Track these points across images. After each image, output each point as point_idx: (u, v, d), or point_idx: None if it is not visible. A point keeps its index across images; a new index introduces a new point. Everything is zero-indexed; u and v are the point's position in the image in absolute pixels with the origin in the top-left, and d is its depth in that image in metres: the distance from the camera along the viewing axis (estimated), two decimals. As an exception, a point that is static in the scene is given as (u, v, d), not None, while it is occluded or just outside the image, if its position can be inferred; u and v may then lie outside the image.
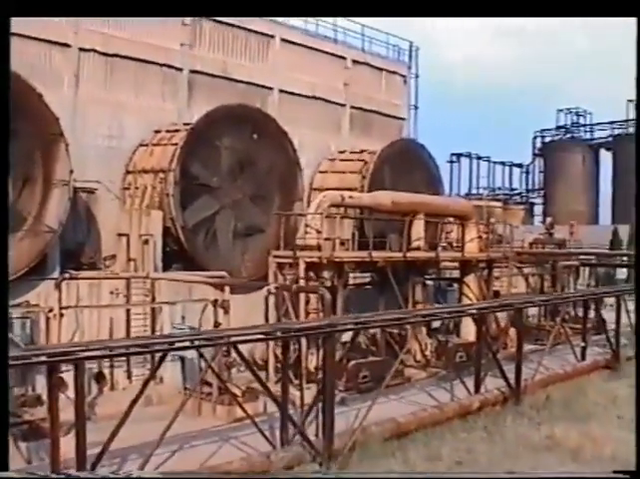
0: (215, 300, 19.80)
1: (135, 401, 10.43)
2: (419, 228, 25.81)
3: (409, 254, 24.23)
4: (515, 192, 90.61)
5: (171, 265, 23.69)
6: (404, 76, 35.98)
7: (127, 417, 9.91)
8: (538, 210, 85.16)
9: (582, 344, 24.68)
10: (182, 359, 21.59)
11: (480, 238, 28.64)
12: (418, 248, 25.25)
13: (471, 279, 27.09)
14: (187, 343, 13.06)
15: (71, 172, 20.08)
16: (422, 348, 25.08)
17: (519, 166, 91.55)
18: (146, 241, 22.45)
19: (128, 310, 21.43)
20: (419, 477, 5.92)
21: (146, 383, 12.37)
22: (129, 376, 21.10)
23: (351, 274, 24.53)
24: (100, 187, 23.59)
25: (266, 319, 20.38)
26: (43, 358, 10.44)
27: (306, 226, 22.36)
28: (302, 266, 21.07)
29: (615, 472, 6.14)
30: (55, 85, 22.36)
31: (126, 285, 21.43)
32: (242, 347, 20.04)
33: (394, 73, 35.53)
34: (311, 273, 21.70)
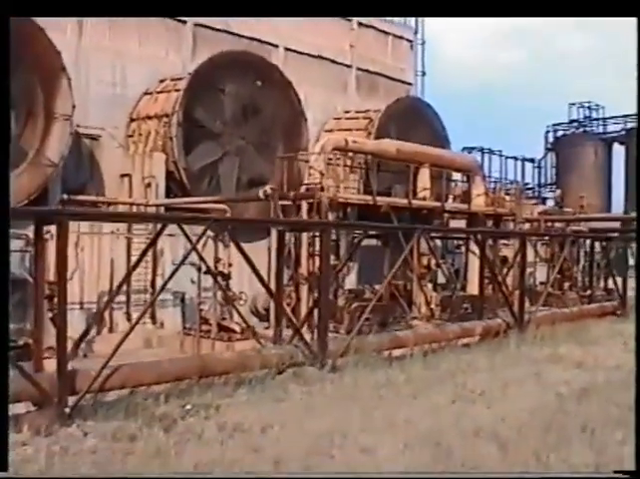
0: (216, 235, 19.75)
1: (127, 334, 10.39)
2: (425, 178, 25.71)
3: (414, 202, 24.12)
4: (528, 186, 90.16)
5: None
6: (410, 41, 35.88)
7: (117, 349, 9.82)
8: (550, 204, 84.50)
9: (588, 292, 24.56)
10: (183, 300, 21.60)
11: (486, 194, 28.51)
12: (424, 199, 25.15)
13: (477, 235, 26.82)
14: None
15: (73, 106, 20.11)
16: (427, 301, 24.92)
17: (532, 160, 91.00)
18: (148, 185, 22.44)
19: (128, 251, 21.41)
20: (419, 477, 5.87)
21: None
22: (128, 319, 21.09)
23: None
24: (103, 134, 23.59)
25: (269, 262, 20.27)
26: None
27: (309, 167, 22.32)
28: (305, 208, 20.99)
29: (615, 472, 6.09)
30: (58, 31, 22.30)
31: (127, 227, 21.41)
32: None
33: (400, 37, 35.41)
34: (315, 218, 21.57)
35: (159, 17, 21.90)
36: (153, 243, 12.02)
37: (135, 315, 20.88)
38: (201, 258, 12.37)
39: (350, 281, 25.27)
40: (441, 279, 27.76)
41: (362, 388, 11.23)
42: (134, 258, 20.25)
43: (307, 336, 13.40)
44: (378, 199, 22.94)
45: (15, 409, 9.41)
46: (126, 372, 10.25)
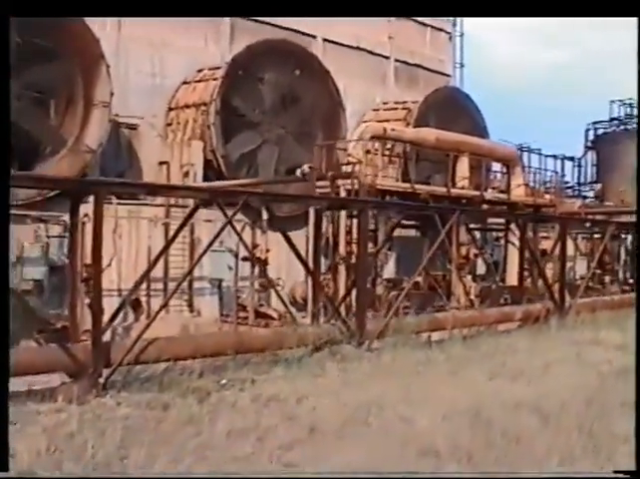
0: (253, 222, 19.68)
1: (156, 314, 10.34)
2: (463, 168, 25.44)
3: (453, 191, 23.85)
4: (567, 185, 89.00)
5: (212, 202, 23.62)
6: (449, 33, 35.58)
7: (146, 329, 9.77)
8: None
9: (630, 280, 24.10)
10: (220, 287, 21.54)
11: (526, 185, 28.15)
12: (462, 188, 24.88)
13: (516, 228, 26.48)
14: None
15: (111, 94, 20.15)
16: (466, 291, 24.60)
17: (571, 159, 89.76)
18: (186, 173, 22.43)
19: (166, 238, 21.37)
20: (419, 477, 5.75)
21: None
22: (165, 306, 21.00)
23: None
24: (142, 123, 23.64)
25: (307, 251, 20.10)
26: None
27: (348, 155, 22.17)
28: (343, 218, 20.77)
29: (615, 472, 5.90)
30: (98, 23, 22.33)
31: (165, 213, 21.40)
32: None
33: (439, 29, 35.13)
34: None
35: (160, 17, 21.77)
36: (189, 218, 11.95)
37: (172, 302, 20.85)
38: (238, 235, 12.23)
39: (389, 271, 25.03)
40: (480, 271, 27.44)
41: (400, 366, 11.05)
42: (172, 246, 20.34)
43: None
44: (416, 186, 22.72)
45: (50, 380, 9.42)
46: (161, 345, 10.18)
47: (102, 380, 9.29)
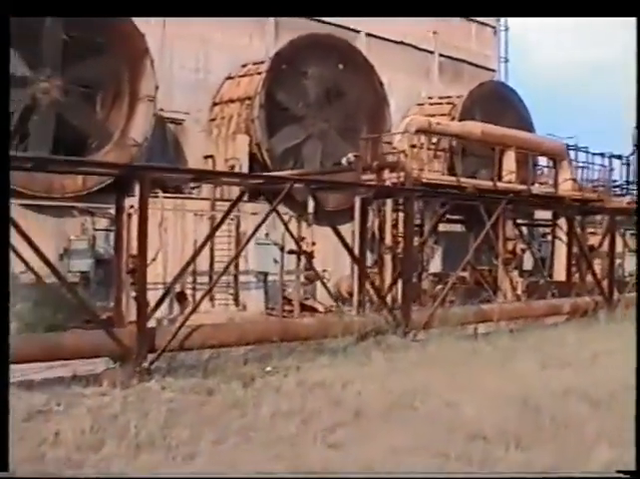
0: (299, 215, 19.60)
1: (201, 300, 10.36)
2: (510, 162, 25.09)
3: (500, 185, 23.54)
4: (616, 183, 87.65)
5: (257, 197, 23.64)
6: (494, 27, 35.15)
7: (190, 315, 9.77)
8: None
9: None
10: (266, 280, 21.51)
11: (574, 180, 27.71)
12: (509, 183, 24.55)
13: (564, 223, 26.05)
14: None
15: (156, 87, 20.22)
16: (513, 286, 24.25)
17: (619, 157, 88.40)
18: (232, 167, 22.41)
19: (211, 230, 21.37)
20: (419, 477, 5.65)
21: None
22: (211, 299, 21.06)
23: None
24: (187, 118, 23.70)
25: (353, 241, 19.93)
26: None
27: (393, 148, 22.01)
28: (389, 207, 20.55)
29: (618, 472, 5.75)
30: (143, 20, 22.34)
31: (211, 207, 21.42)
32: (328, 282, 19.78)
33: (483, 24, 34.72)
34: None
35: (160, 17, 21.69)
36: (235, 204, 11.91)
37: (217, 296, 20.88)
38: (285, 225, 12.18)
39: (435, 266, 24.82)
40: (527, 267, 27.08)
41: (446, 356, 10.92)
42: (217, 239, 20.37)
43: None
44: (462, 180, 22.48)
45: (94, 365, 9.45)
46: (206, 332, 10.17)
47: (146, 365, 9.29)
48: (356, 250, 13.44)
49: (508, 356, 10.96)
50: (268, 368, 9.87)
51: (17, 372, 8.38)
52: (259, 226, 10.89)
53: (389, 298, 13.91)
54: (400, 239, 19.58)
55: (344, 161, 19.84)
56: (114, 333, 9.14)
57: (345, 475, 5.33)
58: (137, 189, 10.60)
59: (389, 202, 19.07)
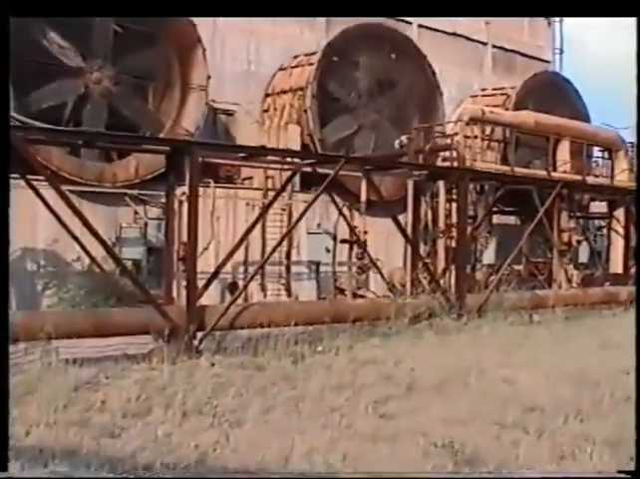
0: (351, 204, 19.41)
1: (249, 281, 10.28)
2: (564, 152, 24.60)
3: (554, 174, 23.08)
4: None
5: (310, 187, 23.53)
6: (547, 18, 34.52)
7: (239, 294, 9.71)
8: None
9: None
10: (318, 270, 21.37)
11: (630, 170, 27.07)
12: (564, 173, 24.07)
13: (620, 215, 25.44)
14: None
15: (208, 77, 20.19)
16: (568, 278, 23.75)
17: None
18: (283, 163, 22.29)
19: (263, 222, 21.29)
20: (418, 477, 5.47)
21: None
22: (262, 289, 20.97)
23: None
24: (238, 109, 23.66)
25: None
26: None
27: (446, 137, 21.70)
28: (442, 189, 20.20)
29: (619, 472, 5.51)
30: (195, 9, 22.38)
31: (263, 196, 21.33)
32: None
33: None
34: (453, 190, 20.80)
35: (160, 17, 21.51)
36: (287, 183, 11.85)
37: (269, 286, 20.79)
38: (340, 211, 12.00)
39: (489, 257, 24.43)
40: (582, 259, 26.53)
41: (501, 338, 10.67)
42: (269, 229, 20.30)
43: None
44: (516, 169, 22.08)
45: (144, 342, 9.41)
46: (256, 310, 10.09)
47: (196, 342, 9.21)
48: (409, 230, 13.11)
49: (564, 339, 10.68)
50: (319, 348, 9.71)
51: (65, 349, 8.37)
52: (310, 205, 10.77)
53: (442, 283, 13.64)
54: (453, 228, 19.29)
55: (396, 144, 19.65)
56: (163, 310, 9.06)
57: (345, 475, 5.15)
58: (187, 175, 10.60)
59: (442, 186, 18.76)
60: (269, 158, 14.10)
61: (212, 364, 8.53)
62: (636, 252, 21.79)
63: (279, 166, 17.95)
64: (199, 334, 9.39)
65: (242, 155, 12.88)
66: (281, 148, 20.66)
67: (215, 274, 10.80)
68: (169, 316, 9.04)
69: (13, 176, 10.60)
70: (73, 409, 6.17)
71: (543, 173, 23.00)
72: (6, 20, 6.39)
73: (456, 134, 20.19)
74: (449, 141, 20.40)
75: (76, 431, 5.52)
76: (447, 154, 21.21)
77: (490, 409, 6.52)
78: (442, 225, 18.69)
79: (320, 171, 19.30)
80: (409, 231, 13.41)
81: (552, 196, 14.57)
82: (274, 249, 12.98)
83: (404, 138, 19.30)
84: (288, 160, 13.67)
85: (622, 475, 5.14)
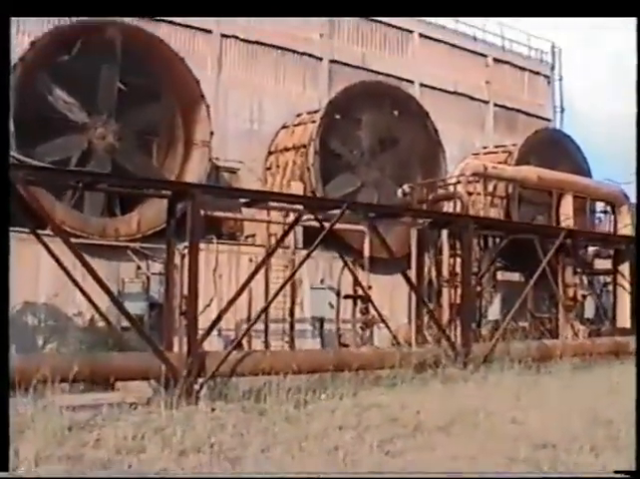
0: (354, 260, 19.30)
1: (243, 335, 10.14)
2: (567, 207, 24.58)
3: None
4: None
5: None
6: (547, 77, 34.90)
7: (240, 341, 9.57)
8: None
9: None
10: (322, 325, 21.17)
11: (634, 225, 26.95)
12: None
13: (625, 270, 25.24)
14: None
15: (211, 133, 20.28)
16: (575, 333, 23.47)
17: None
18: (286, 215, 22.25)
19: (266, 278, 21.15)
20: (418, 477, 5.38)
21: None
22: (266, 347, 20.71)
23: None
24: (242, 167, 23.74)
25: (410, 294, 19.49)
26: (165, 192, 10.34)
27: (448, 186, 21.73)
28: (445, 237, 20.14)
29: (616, 472, 5.43)
30: (198, 67, 22.59)
31: (265, 252, 21.20)
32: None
33: (536, 73, 34.51)
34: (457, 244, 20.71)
35: (160, 17, 21.66)
36: (292, 228, 11.74)
37: (273, 344, 20.52)
38: (344, 262, 11.87)
39: (494, 313, 24.20)
40: (588, 315, 26.26)
41: (508, 385, 10.41)
42: (272, 286, 20.10)
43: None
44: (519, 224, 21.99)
45: (144, 387, 9.20)
46: (258, 358, 9.88)
47: (196, 387, 9.00)
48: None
49: (574, 385, 10.45)
50: (323, 396, 9.47)
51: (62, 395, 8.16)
52: (310, 252, 10.60)
53: (447, 332, 13.43)
54: (457, 277, 19.16)
55: (399, 192, 19.61)
56: (163, 354, 8.88)
57: (346, 475, 4.95)
58: (188, 221, 10.52)
59: (445, 238, 18.68)
60: (271, 204, 13.94)
61: (213, 409, 8.30)
62: (637, 271, 21.48)
63: (282, 214, 17.97)
64: (200, 381, 9.15)
65: (245, 201, 12.71)
66: (282, 192, 20.64)
67: (217, 320, 10.62)
68: (170, 361, 8.83)
69: (18, 229, 10.59)
70: (66, 445, 5.96)
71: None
72: (6, 20, 6.37)
73: (459, 182, 20.18)
74: (451, 189, 20.38)
75: (68, 464, 5.32)
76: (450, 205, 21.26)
77: (501, 447, 6.29)
78: (445, 270, 18.54)
79: (325, 224, 19.27)
80: (413, 279, 13.08)
81: (556, 244, 14.37)
82: (272, 299, 12.81)
83: (406, 187, 19.29)
84: (291, 206, 13.48)
85: (622, 475, 4.96)
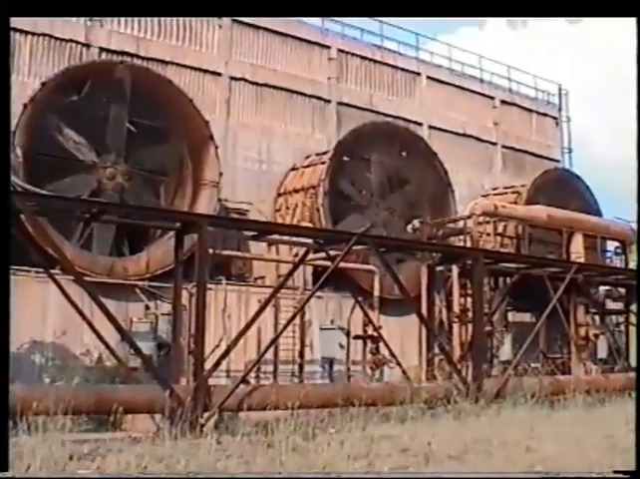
0: (364, 299, 19.18)
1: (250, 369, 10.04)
2: (578, 246, 24.41)
3: (568, 271, 22.75)
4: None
5: (323, 288, 23.27)
6: (555, 118, 35.01)
7: (247, 375, 9.49)
8: None
9: None
10: (332, 366, 20.95)
11: (646, 263, 26.75)
12: (579, 267, 23.73)
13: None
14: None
15: (220, 174, 20.27)
16: (587, 373, 23.14)
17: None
18: (296, 255, 22.14)
19: (276, 319, 20.98)
20: (418, 477, 5.27)
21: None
22: (276, 388, 20.45)
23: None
24: (251, 209, 23.68)
25: (420, 336, 19.28)
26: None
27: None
28: (455, 272, 19.98)
29: (615, 472, 5.32)
30: (207, 109, 22.67)
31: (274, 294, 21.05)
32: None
33: (544, 115, 34.63)
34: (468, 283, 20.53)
35: (159, 17, 21.72)
36: (301, 261, 11.59)
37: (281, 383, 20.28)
38: (357, 301, 11.73)
39: (504, 354, 23.91)
40: (601, 355, 25.93)
41: (521, 418, 10.19)
42: (281, 327, 19.91)
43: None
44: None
45: (151, 425, 9.03)
46: (266, 392, 9.69)
47: (202, 421, 8.81)
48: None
49: (589, 418, 10.21)
50: (332, 430, 9.26)
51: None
52: (317, 288, 10.48)
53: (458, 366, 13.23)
54: (468, 313, 18.96)
55: (409, 228, 19.50)
56: (170, 386, 8.71)
57: (346, 475, 4.77)
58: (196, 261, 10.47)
59: (455, 272, 18.54)
60: (280, 238, 13.85)
61: (218, 442, 8.10)
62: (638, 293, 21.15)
63: (291, 253, 17.83)
64: (206, 415, 8.97)
65: (253, 234, 12.63)
66: (293, 224, 20.59)
67: (226, 353, 10.47)
68: (175, 392, 8.67)
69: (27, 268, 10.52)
70: (67, 472, 5.79)
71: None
72: (6, 20, 6.33)
73: (469, 217, 20.09)
74: (461, 224, 20.27)
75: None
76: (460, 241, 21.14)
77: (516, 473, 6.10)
78: (456, 306, 18.36)
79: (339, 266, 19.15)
80: (425, 306, 12.94)
81: (568, 277, 14.22)
82: (282, 330, 12.65)
83: (416, 222, 19.17)
84: (300, 240, 13.40)
85: (621, 475, 4.79)
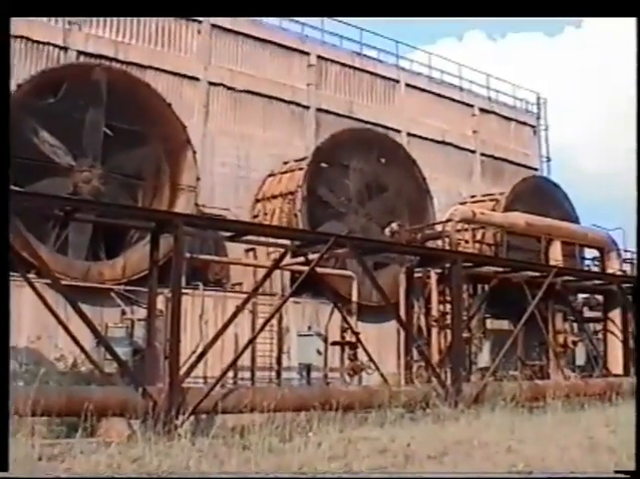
0: (342, 305, 19.02)
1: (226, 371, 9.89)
2: (556, 254, 24.44)
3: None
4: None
5: (300, 294, 23.13)
6: (533, 126, 35.17)
7: (221, 378, 9.34)
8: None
9: None
10: (309, 373, 20.79)
11: (623, 272, 26.85)
12: (556, 275, 23.74)
13: (616, 316, 24.94)
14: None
15: (197, 178, 20.13)
16: (565, 379, 23.09)
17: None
18: (274, 260, 22.00)
19: (253, 325, 20.80)
20: (419, 477, 5.20)
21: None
22: (253, 394, 20.23)
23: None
24: (228, 214, 23.49)
25: (398, 343, 19.24)
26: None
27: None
28: (434, 278, 19.94)
29: (616, 472, 5.27)
30: (185, 115, 22.50)
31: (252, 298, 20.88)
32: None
33: (523, 123, 34.77)
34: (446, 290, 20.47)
35: (158, 17, 21.65)
36: (280, 261, 11.43)
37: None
38: (336, 305, 11.61)
39: (483, 360, 23.87)
40: (579, 362, 25.93)
41: (501, 421, 10.06)
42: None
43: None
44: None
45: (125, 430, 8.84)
46: (242, 394, 9.52)
47: (177, 423, 8.63)
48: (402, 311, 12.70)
49: (569, 420, 10.11)
50: (310, 433, 9.08)
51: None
52: (294, 288, 10.34)
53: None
54: (447, 317, 18.93)
55: (387, 231, 19.42)
56: (144, 390, 8.53)
57: (348, 475, 4.65)
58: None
59: (434, 278, 18.47)
60: (257, 239, 13.69)
61: (193, 444, 7.92)
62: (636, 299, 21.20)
63: (269, 258, 17.65)
64: (181, 417, 8.78)
65: (229, 234, 12.48)
66: (271, 224, 20.48)
67: (202, 355, 10.30)
68: (149, 394, 8.48)
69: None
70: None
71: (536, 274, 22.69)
72: (6, 20, 6.20)
73: (448, 220, 20.05)
74: (440, 228, 20.22)
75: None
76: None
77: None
78: (435, 309, 18.29)
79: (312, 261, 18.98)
80: (403, 310, 12.83)
81: (547, 281, 14.16)
82: (260, 331, 12.48)
83: (394, 225, 19.09)
84: (277, 241, 13.26)
85: (621, 475, 4.70)
